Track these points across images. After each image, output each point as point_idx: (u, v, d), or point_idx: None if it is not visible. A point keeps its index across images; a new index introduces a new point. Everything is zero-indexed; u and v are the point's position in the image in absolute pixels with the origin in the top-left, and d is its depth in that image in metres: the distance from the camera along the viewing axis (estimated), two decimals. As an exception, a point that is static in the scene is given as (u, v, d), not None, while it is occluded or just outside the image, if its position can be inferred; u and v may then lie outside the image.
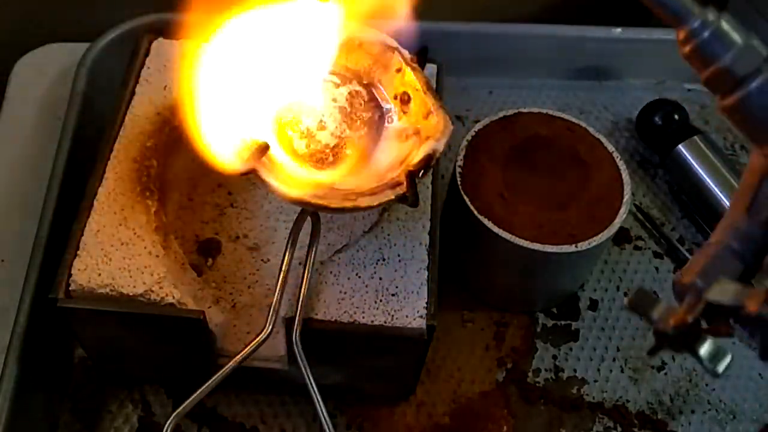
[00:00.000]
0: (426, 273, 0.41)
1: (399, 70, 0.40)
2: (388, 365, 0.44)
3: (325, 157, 0.38)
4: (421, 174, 0.36)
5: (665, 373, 0.51)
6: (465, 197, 0.47)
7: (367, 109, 0.40)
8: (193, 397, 0.38)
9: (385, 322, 0.39)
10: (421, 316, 0.39)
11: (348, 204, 0.35)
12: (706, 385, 0.51)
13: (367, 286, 0.40)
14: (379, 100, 0.41)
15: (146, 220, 0.41)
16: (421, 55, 0.41)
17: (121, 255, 0.40)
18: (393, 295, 0.40)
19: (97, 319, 0.40)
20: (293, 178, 0.35)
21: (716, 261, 0.32)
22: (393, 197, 0.36)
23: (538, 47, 0.63)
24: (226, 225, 0.49)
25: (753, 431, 0.49)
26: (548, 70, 0.65)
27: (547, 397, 0.49)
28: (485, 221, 0.46)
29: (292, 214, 0.50)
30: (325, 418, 0.39)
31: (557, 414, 0.49)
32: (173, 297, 0.39)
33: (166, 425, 0.37)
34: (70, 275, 0.39)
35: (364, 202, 0.35)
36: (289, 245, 0.39)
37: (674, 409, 0.49)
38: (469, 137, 0.50)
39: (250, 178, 0.35)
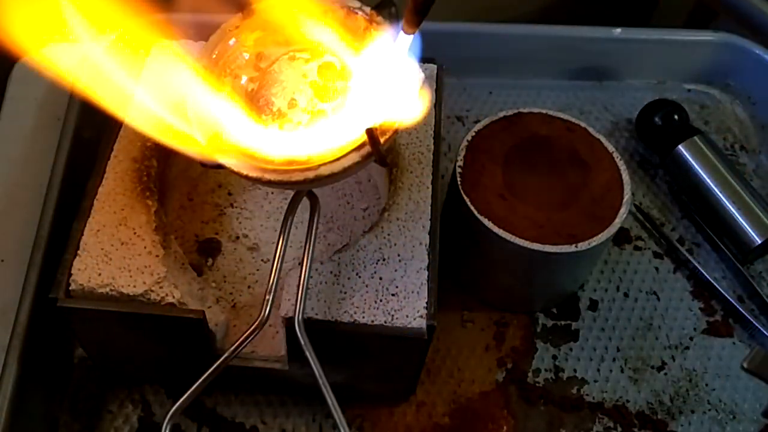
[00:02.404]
0: (426, 273, 0.41)
1: (366, 30, 0.38)
2: (388, 365, 0.44)
3: (299, 134, 0.37)
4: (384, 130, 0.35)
5: (665, 373, 0.51)
6: (465, 197, 0.47)
7: (341, 79, 0.39)
8: (191, 389, 0.37)
9: (385, 322, 0.39)
10: (421, 316, 0.39)
11: (310, 174, 0.34)
12: (706, 385, 0.51)
13: (367, 286, 0.40)
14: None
15: (146, 220, 0.41)
16: (383, 7, 0.38)
17: (121, 255, 0.40)
18: (393, 295, 0.40)
19: (97, 319, 0.40)
20: (255, 157, 0.35)
21: None
22: (358, 159, 0.35)
23: (538, 47, 0.63)
24: (226, 225, 0.49)
25: (753, 431, 0.49)
26: (548, 70, 0.65)
27: (547, 397, 0.49)
28: (485, 221, 0.46)
29: (292, 214, 0.50)
30: (334, 407, 0.38)
31: (557, 414, 0.49)
32: (173, 297, 0.39)
33: (166, 420, 0.37)
34: (70, 275, 0.39)
35: (326, 170, 0.34)
36: (285, 230, 0.38)
37: (674, 409, 0.49)
38: (469, 137, 0.50)
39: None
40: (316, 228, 0.39)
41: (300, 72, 0.39)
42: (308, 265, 0.38)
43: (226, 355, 0.38)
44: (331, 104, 0.38)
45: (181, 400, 0.37)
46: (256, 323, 0.38)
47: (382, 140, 0.34)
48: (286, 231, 0.39)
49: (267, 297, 0.38)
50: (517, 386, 0.50)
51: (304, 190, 0.39)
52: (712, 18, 0.78)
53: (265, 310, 0.38)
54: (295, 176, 0.34)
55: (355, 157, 0.35)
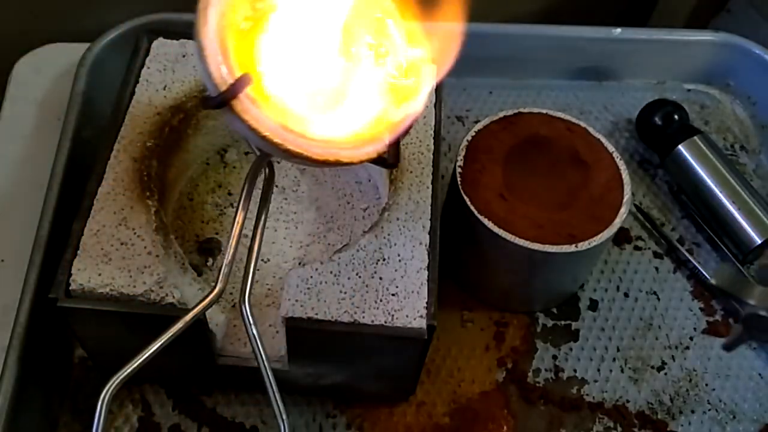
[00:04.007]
0: (426, 273, 0.41)
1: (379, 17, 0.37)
2: (388, 365, 0.44)
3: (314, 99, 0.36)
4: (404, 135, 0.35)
5: (665, 373, 0.51)
6: (465, 197, 0.47)
7: (346, 56, 0.37)
8: (141, 359, 0.35)
9: (385, 322, 0.39)
10: (421, 316, 0.39)
11: (330, 158, 0.34)
12: (706, 385, 0.51)
13: (367, 286, 0.40)
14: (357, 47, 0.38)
15: (146, 220, 0.41)
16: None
17: (121, 255, 0.40)
18: (393, 295, 0.40)
19: (97, 319, 0.40)
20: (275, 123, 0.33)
21: None
22: (375, 155, 0.35)
23: (538, 47, 0.63)
24: (226, 225, 0.49)
25: (753, 431, 0.49)
26: (548, 70, 0.65)
27: (547, 397, 0.49)
28: (485, 221, 0.46)
29: (291, 214, 0.50)
30: (274, 394, 0.37)
31: (557, 414, 0.49)
32: (173, 297, 0.39)
33: (104, 393, 0.34)
34: (70, 275, 0.39)
35: (345, 156, 0.34)
36: (243, 195, 0.37)
37: (674, 409, 0.50)
38: (469, 137, 0.50)
39: (224, 115, 0.32)
40: (269, 201, 0.38)
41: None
42: (259, 241, 0.37)
43: (179, 324, 0.35)
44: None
45: (127, 370, 0.34)
46: (212, 295, 0.36)
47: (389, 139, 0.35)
48: (246, 199, 0.37)
49: (223, 269, 0.36)
50: (517, 386, 0.50)
51: (267, 159, 0.37)
52: (712, 17, 0.78)
53: (221, 282, 0.36)
54: (315, 154, 0.33)
55: (371, 153, 0.35)
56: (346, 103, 0.36)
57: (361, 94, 0.36)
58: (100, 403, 0.33)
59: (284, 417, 0.38)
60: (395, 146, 0.35)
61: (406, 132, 0.36)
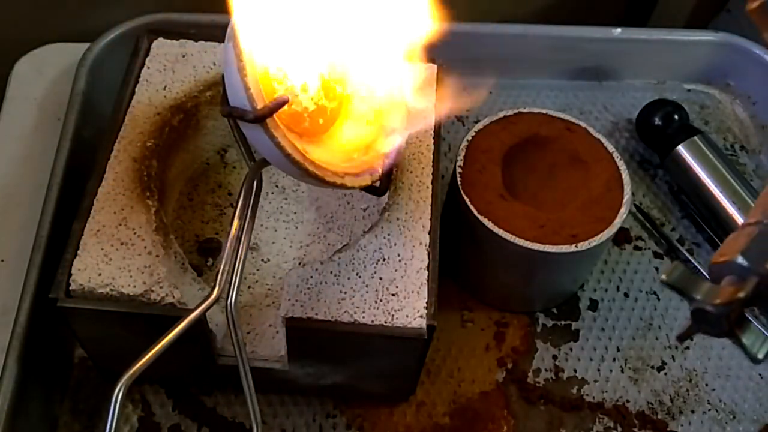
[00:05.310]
0: (426, 273, 0.41)
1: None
2: (388, 365, 0.44)
3: (301, 120, 0.37)
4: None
5: (665, 373, 0.51)
6: (465, 197, 0.47)
7: (341, 83, 0.39)
8: (145, 359, 0.35)
9: (385, 322, 0.39)
10: (421, 316, 0.39)
11: (337, 180, 0.35)
12: (706, 385, 0.51)
13: (367, 286, 0.40)
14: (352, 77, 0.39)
15: (146, 220, 0.41)
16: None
17: (121, 255, 0.40)
18: (393, 295, 0.40)
19: (97, 319, 0.40)
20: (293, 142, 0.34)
21: (761, 238, 0.30)
22: (370, 183, 0.37)
23: (538, 47, 0.63)
24: (226, 225, 0.49)
25: (753, 431, 0.49)
26: (548, 70, 0.65)
27: (547, 397, 0.49)
28: (485, 221, 0.46)
29: (291, 214, 0.50)
30: (251, 400, 0.38)
31: (557, 414, 0.49)
32: (173, 297, 0.39)
33: (117, 388, 0.33)
34: (70, 275, 0.39)
35: (349, 181, 0.36)
36: (239, 205, 0.38)
37: (674, 409, 0.50)
38: (469, 137, 0.50)
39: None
40: (255, 213, 0.39)
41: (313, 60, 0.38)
42: (246, 243, 0.38)
43: (184, 324, 0.36)
44: (331, 104, 0.38)
45: (135, 367, 0.34)
46: (210, 300, 0.36)
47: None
48: (244, 200, 0.38)
49: (220, 274, 0.36)
50: (517, 386, 0.50)
51: (260, 170, 0.39)
52: (712, 17, 0.78)
53: (217, 287, 0.36)
54: (327, 175, 0.35)
55: (368, 180, 0.37)
56: (342, 130, 0.38)
57: (355, 123, 0.38)
58: (114, 399, 0.33)
59: (258, 421, 0.39)
60: (387, 175, 0.37)
61: (396, 163, 0.38)
